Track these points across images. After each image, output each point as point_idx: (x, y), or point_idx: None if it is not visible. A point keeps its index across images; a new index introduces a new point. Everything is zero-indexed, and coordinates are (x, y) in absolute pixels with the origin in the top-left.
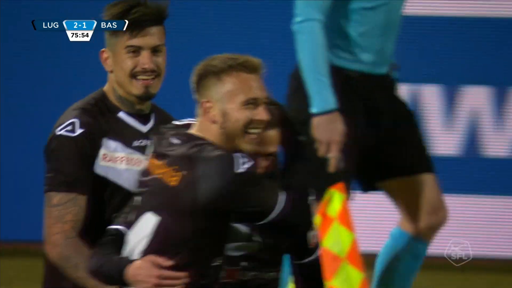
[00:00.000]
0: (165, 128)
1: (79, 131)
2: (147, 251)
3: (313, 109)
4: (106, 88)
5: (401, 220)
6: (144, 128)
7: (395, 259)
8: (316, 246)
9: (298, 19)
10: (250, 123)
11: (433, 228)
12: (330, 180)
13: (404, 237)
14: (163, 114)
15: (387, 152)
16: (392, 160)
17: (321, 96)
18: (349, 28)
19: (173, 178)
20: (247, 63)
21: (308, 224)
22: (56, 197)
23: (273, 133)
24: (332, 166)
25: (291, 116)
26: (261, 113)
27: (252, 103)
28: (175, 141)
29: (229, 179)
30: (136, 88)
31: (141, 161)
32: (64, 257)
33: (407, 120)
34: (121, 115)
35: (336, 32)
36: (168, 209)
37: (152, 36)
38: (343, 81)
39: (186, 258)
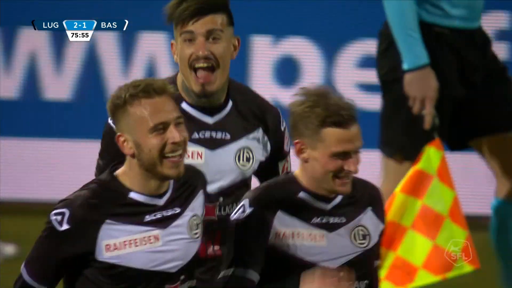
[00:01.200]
0: None
1: None
2: None
3: (405, 66)
4: (178, 76)
5: (497, 187)
6: (210, 120)
7: (505, 233)
8: None
9: None
10: (163, 149)
11: None
12: (426, 137)
13: (504, 207)
14: (244, 99)
15: (479, 110)
16: (484, 118)
17: (412, 52)
18: None
19: None
20: (148, 87)
21: None
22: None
23: (355, 129)
24: (427, 122)
25: (381, 75)
26: (173, 135)
27: (160, 128)
28: None
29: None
30: (195, 84)
31: (199, 153)
32: None
33: (499, 77)
34: (184, 106)
35: None
36: None
37: (205, 21)
38: (435, 37)
39: None
